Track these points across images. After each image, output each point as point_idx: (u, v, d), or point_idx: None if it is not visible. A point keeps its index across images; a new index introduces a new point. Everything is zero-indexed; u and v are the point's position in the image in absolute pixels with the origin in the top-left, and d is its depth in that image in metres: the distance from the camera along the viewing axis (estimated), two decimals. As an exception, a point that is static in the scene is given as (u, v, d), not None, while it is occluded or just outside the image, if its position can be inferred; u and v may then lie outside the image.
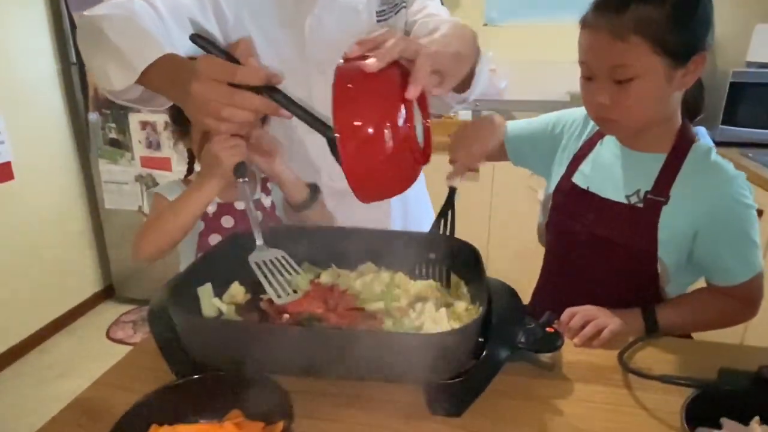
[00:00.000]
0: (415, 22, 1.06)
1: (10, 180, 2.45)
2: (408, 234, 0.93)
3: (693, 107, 0.96)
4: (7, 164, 2.43)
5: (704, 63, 0.84)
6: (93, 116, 2.71)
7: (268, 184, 1.13)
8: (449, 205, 0.95)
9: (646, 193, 0.92)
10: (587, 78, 0.88)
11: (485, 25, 2.86)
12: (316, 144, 1.15)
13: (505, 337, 0.71)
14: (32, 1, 2.55)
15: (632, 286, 0.96)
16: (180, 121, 1.02)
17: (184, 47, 0.85)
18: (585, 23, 0.86)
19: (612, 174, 0.98)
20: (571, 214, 1.01)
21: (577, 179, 1.02)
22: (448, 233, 0.92)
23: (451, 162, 1.00)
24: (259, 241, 0.80)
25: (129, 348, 0.93)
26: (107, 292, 3.10)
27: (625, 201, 0.94)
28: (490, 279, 0.78)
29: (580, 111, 1.09)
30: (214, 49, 0.67)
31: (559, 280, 1.09)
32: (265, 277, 0.74)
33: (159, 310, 0.73)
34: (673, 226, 0.90)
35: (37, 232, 2.62)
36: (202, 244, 1.04)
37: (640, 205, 0.92)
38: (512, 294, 0.78)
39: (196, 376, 0.65)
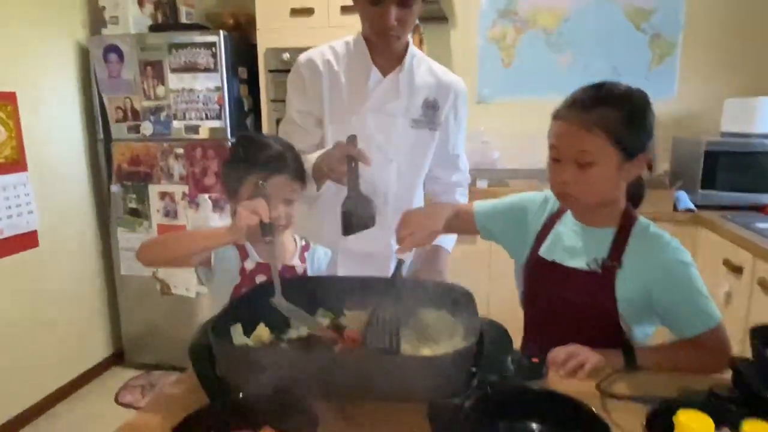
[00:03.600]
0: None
1: (34, 247, 2.61)
2: (410, 282, 1.06)
3: (636, 197, 1.16)
4: (34, 233, 2.60)
5: (646, 162, 1.06)
6: (115, 188, 2.91)
7: (306, 254, 1.29)
8: (397, 273, 1.06)
9: (603, 259, 1.08)
10: (555, 160, 1.08)
11: (478, 102, 3.13)
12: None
13: (494, 365, 0.83)
14: (66, 85, 2.82)
15: (601, 340, 1.07)
16: (230, 186, 1.19)
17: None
18: (558, 116, 1.07)
19: (572, 246, 1.14)
20: (541, 283, 1.18)
21: (543, 253, 1.18)
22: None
23: (399, 242, 1.11)
24: (278, 292, 0.97)
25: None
26: (117, 358, 3.16)
27: (586, 268, 1.10)
28: (481, 318, 0.91)
29: (539, 195, 1.28)
30: None
31: (538, 337, 1.21)
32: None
33: (198, 346, 0.86)
34: (627, 287, 1.07)
35: (55, 298, 2.73)
36: (236, 295, 1.17)
37: (599, 270, 1.08)
38: (501, 330, 0.90)
39: (231, 397, 0.76)
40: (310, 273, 1.27)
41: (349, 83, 1.42)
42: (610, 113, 1.00)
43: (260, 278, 1.17)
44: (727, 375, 0.87)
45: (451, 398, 0.78)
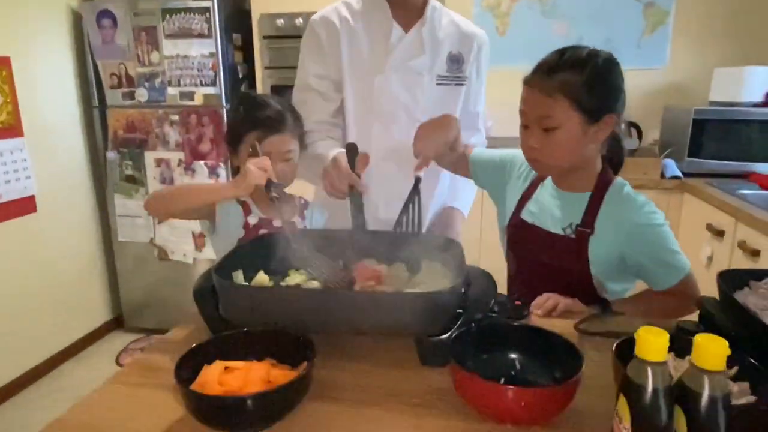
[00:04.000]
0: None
1: (33, 212, 2.64)
2: (404, 235, 1.11)
3: (615, 160, 1.18)
4: (32, 198, 2.63)
5: (613, 123, 1.07)
6: (111, 154, 2.93)
7: (305, 212, 1.34)
8: (416, 192, 1.13)
9: (577, 225, 1.13)
10: (524, 126, 1.11)
11: (472, 70, 3.14)
12: (375, 182, 1.40)
13: (480, 306, 0.89)
14: (60, 51, 2.81)
15: (579, 298, 1.11)
16: (232, 143, 1.23)
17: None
18: (526, 82, 1.09)
19: (551, 211, 1.18)
20: (522, 244, 1.23)
21: (525, 216, 1.23)
22: (415, 218, 1.10)
23: (416, 155, 1.17)
24: (295, 242, 1.03)
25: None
26: (117, 322, 3.23)
27: (561, 233, 1.15)
28: (469, 265, 0.97)
29: None
30: None
31: (520, 293, 1.27)
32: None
33: (202, 288, 0.92)
34: (600, 251, 1.11)
35: (54, 263, 2.79)
36: None
37: (573, 235, 1.13)
38: (486, 275, 0.96)
39: (234, 331, 0.82)
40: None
41: (369, 40, 1.35)
42: (570, 78, 1.02)
43: (263, 233, 1.22)
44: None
45: (438, 335, 0.85)
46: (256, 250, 1.04)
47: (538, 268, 1.19)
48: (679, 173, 2.58)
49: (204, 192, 1.12)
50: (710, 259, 2.20)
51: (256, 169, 1.04)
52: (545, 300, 1.05)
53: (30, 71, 2.60)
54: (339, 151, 1.23)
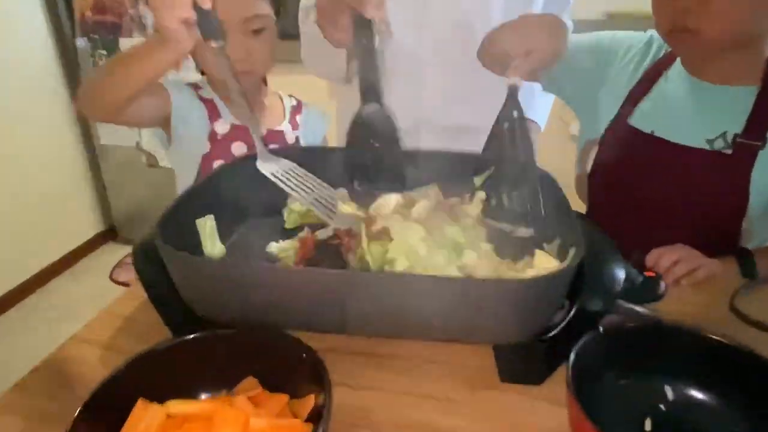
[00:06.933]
0: None
1: (-3, 114, 2.26)
2: (463, 155, 0.73)
3: None
4: (-8, 94, 2.24)
5: None
6: (81, 42, 2.48)
7: (297, 118, 0.96)
8: (514, 106, 0.70)
9: (736, 135, 0.76)
10: None
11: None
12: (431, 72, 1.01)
13: (601, 285, 0.54)
14: None
15: (705, 247, 0.77)
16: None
17: None
18: None
19: (684, 114, 0.81)
20: (628, 164, 0.85)
21: (636, 122, 0.85)
22: (517, 138, 0.70)
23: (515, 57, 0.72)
24: (259, 147, 0.63)
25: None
26: (109, 234, 2.99)
27: (707, 146, 0.78)
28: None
29: (639, 37, 0.91)
30: None
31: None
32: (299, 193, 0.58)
33: (149, 249, 0.57)
34: None
35: (32, 171, 2.47)
36: (206, 169, 0.85)
37: (729, 151, 0.77)
38: (601, 233, 0.60)
39: (195, 335, 0.49)
40: (303, 142, 0.94)
41: None
42: None
43: (238, 147, 0.85)
44: None
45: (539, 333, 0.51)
46: (235, 179, 0.68)
47: (651, 207, 0.84)
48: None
49: (134, 60, 0.68)
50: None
51: (166, 4, 0.57)
52: (672, 262, 0.70)
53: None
54: None
